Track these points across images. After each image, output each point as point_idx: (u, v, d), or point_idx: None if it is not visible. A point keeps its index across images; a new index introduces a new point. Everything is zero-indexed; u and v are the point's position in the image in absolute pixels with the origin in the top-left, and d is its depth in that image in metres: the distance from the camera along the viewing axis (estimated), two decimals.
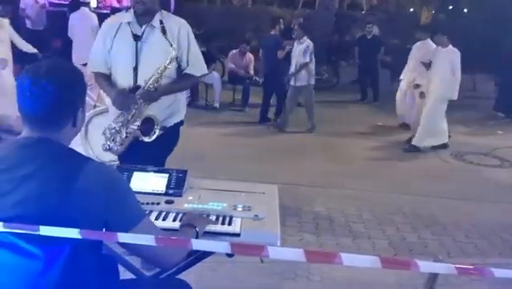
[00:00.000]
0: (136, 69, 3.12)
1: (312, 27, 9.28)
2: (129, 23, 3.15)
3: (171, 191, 2.39)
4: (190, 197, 2.36)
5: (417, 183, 6.01)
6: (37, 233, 1.39)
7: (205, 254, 2.37)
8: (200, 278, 3.35)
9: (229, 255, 2.20)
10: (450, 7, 15.29)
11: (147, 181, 2.42)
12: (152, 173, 2.47)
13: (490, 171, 6.74)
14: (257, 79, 10.60)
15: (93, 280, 1.65)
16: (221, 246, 1.39)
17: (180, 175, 2.46)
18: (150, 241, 1.41)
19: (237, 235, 2.09)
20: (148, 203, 2.27)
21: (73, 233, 1.39)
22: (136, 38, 3.12)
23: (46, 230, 1.38)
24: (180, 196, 2.37)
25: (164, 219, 2.17)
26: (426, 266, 1.38)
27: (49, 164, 1.60)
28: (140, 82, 3.11)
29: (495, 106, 10.85)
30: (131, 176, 2.43)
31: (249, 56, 10.33)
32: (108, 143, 3.12)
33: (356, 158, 7.05)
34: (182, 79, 3.31)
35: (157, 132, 3.11)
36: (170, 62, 3.10)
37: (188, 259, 2.46)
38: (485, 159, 7.28)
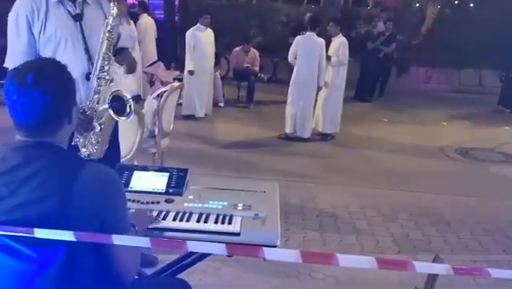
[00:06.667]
0: (88, 52, 2.79)
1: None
2: (60, 1, 2.75)
3: (171, 190, 2.37)
4: (190, 196, 2.35)
5: (422, 179, 5.98)
6: (31, 235, 1.38)
7: (205, 254, 2.36)
8: (203, 277, 3.36)
9: (229, 254, 2.19)
10: (456, 2, 15.15)
11: (147, 180, 2.41)
12: (152, 172, 2.46)
13: (496, 167, 6.71)
14: (262, 76, 10.53)
15: (92, 280, 1.64)
16: (216, 248, 1.39)
17: (181, 174, 2.45)
18: (145, 243, 1.40)
19: (237, 234, 2.07)
20: (147, 202, 2.26)
21: (67, 235, 1.38)
22: (77, 17, 2.78)
23: (40, 233, 1.37)
24: (181, 195, 2.36)
25: (163, 218, 2.17)
26: (423, 266, 1.38)
27: (49, 167, 1.57)
28: (96, 65, 2.77)
29: (500, 101, 10.79)
30: (131, 175, 2.43)
31: (254, 53, 10.27)
32: (84, 150, 2.69)
33: (361, 155, 7.04)
34: (121, 51, 3.01)
35: (132, 109, 2.61)
36: (110, 31, 2.72)
37: (190, 259, 2.47)
38: (490, 155, 7.25)
